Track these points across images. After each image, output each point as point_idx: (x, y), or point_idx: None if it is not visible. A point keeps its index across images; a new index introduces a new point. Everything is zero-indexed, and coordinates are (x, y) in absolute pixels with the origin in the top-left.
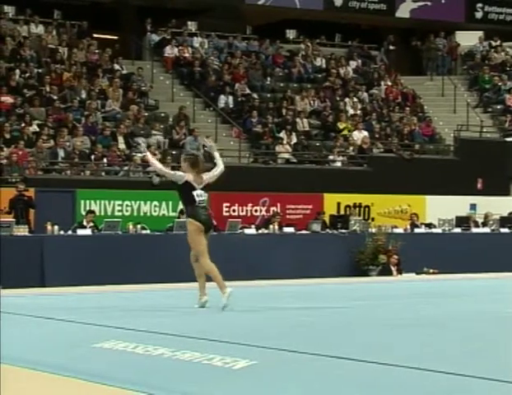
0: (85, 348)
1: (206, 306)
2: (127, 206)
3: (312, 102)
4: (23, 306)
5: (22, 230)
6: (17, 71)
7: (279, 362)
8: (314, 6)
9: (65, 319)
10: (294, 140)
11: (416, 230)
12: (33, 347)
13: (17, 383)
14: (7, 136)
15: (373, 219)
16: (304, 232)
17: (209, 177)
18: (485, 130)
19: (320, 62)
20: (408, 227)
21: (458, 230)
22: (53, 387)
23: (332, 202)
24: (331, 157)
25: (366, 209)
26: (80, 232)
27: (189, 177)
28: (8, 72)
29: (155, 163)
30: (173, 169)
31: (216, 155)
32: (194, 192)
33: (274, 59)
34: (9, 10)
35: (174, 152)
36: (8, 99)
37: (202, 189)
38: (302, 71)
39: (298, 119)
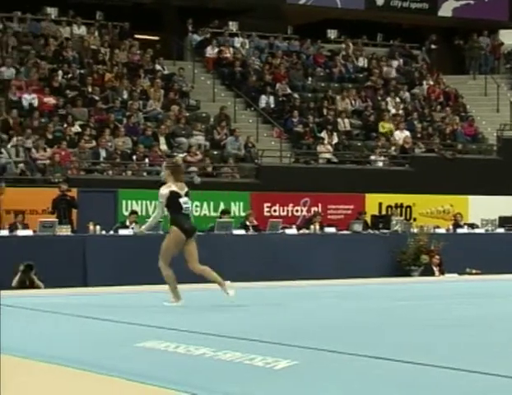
0: (127, 348)
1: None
2: None
3: (353, 102)
4: (65, 306)
5: (65, 230)
6: (60, 72)
7: (320, 362)
8: (356, 5)
9: (107, 319)
10: (335, 140)
11: (459, 231)
12: (75, 346)
13: (59, 382)
14: (50, 136)
15: (415, 219)
16: (345, 232)
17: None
18: None
19: (361, 61)
20: (451, 227)
21: (501, 230)
22: (96, 386)
23: (374, 202)
24: (372, 157)
25: (408, 209)
26: (122, 232)
27: (173, 186)
28: (51, 73)
29: (151, 223)
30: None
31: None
32: (181, 200)
33: (315, 59)
34: (52, 11)
35: (215, 152)
36: (51, 100)
37: (185, 195)
38: (343, 70)
39: (339, 119)
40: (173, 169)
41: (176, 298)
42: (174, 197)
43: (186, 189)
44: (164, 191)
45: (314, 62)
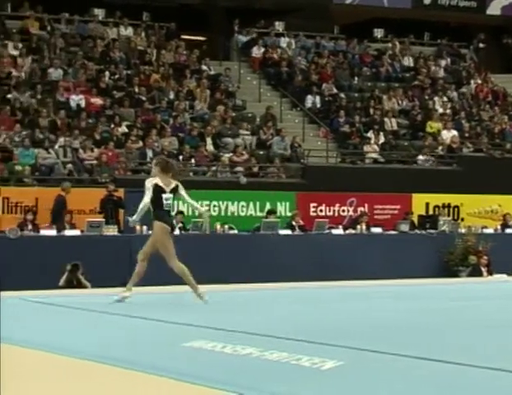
0: (175, 347)
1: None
2: (214, 206)
3: (400, 101)
4: (112, 305)
5: (111, 230)
6: (107, 72)
7: (366, 363)
8: (402, 4)
9: (154, 318)
10: (382, 139)
11: (507, 231)
12: (122, 346)
13: (108, 381)
14: (97, 137)
15: (462, 219)
16: (392, 232)
17: (183, 193)
18: None
19: (408, 61)
20: (499, 227)
21: None
22: (144, 385)
23: (421, 202)
24: (420, 157)
25: (455, 209)
26: None
27: (158, 180)
28: (98, 74)
29: (139, 212)
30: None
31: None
32: (163, 195)
33: (362, 58)
34: (99, 13)
35: (261, 152)
36: (98, 101)
37: (170, 193)
38: (390, 70)
39: (386, 119)
40: (162, 165)
41: (195, 289)
42: (157, 192)
43: (173, 185)
44: (148, 184)
45: (360, 62)
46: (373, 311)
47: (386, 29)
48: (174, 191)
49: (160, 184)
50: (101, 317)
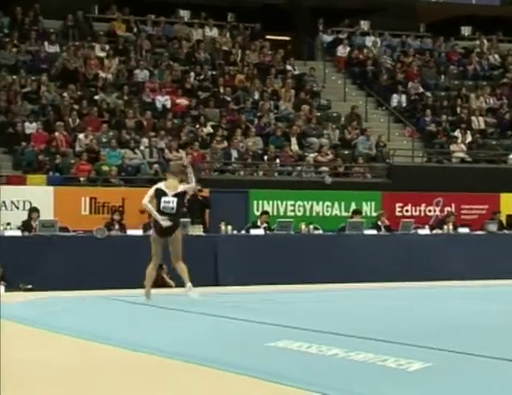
0: (258, 347)
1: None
2: (299, 206)
3: (488, 100)
4: (197, 304)
5: (197, 230)
6: (192, 73)
7: (454, 365)
8: (490, 1)
9: (239, 318)
10: (469, 139)
11: None
12: (206, 344)
13: (194, 380)
14: (183, 137)
15: None
16: (479, 232)
17: (186, 187)
18: None
19: (497, 58)
20: None
21: None
22: (227, 384)
23: (510, 202)
24: (510, 156)
25: None
26: (253, 232)
27: (162, 184)
28: (183, 75)
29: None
30: None
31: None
32: (162, 199)
33: (448, 57)
34: (184, 14)
35: (346, 152)
36: (183, 101)
37: (174, 196)
38: (478, 68)
39: (473, 117)
40: (170, 169)
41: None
42: (157, 195)
43: (180, 189)
44: (152, 187)
45: (447, 60)
46: (458, 312)
47: (473, 26)
48: (181, 194)
49: (163, 188)
50: (185, 316)
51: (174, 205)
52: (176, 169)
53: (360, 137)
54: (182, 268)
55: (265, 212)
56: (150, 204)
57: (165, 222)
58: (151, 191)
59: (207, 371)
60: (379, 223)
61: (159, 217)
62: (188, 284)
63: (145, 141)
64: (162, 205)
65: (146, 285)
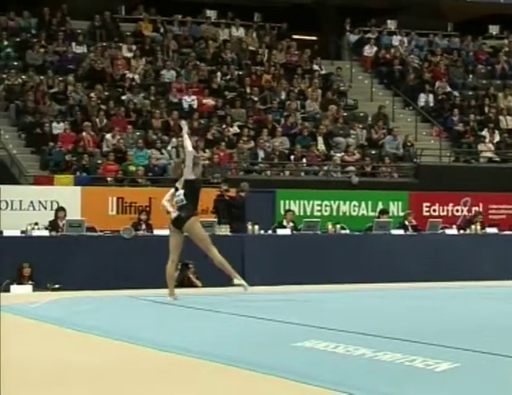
0: (285, 347)
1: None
2: (326, 206)
3: None
4: (224, 304)
5: (224, 230)
6: (219, 73)
7: (482, 365)
8: None
9: (266, 318)
10: (497, 138)
11: None
12: (233, 344)
13: (212, 379)
14: (209, 137)
15: None
16: (507, 232)
17: (185, 172)
18: None
19: None
20: None
21: None
22: (254, 383)
23: None
24: None
25: None
26: (280, 232)
27: (177, 183)
28: (210, 75)
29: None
30: None
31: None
32: (176, 193)
33: (476, 56)
34: (211, 14)
35: (373, 152)
36: (210, 102)
37: (182, 188)
38: (505, 67)
39: (501, 117)
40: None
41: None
42: (174, 194)
43: (182, 183)
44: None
45: (475, 59)
46: (486, 312)
47: (502, 25)
48: (187, 185)
49: (176, 185)
50: (212, 316)
51: (182, 196)
52: (174, 166)
53: (387, 137)
54: (220, 261)
55: (289, 210)
56: (169, 203)
57: (173, 213)
58: (172, 190)
59: (234, 371)
60: (406, 223)
61: (170, 209)
62: (235, 276)
63: (172, 141)
64: (175, 200)
65: (169, 284)
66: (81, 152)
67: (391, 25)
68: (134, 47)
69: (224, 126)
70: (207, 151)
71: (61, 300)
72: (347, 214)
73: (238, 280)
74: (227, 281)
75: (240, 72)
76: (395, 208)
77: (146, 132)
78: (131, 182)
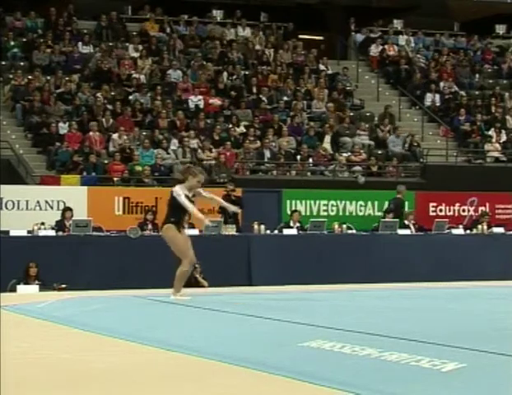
0: (291, 347)
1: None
2: (332, 205)
3: None
4: (230, 304)
5: (230, 230)
6: (225, 73)
7: (489, 365)
8: None
9: (272, 318)
10: (503, 138)
11: None
12: (239, 344)
13: (220, 378)
14: (216, 137)
15: None
16: None
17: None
18: None
19: None
20: None
21: None
22: (261, 384)
23: None
24: None
25: None
26: (286, 232)
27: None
28: (216, 75)
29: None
30: None
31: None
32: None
33: (483, 55)
34: (217, 14)
35: (379, 152)
36: (216, 101)
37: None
38: None
39: (508, 117)
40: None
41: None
42: None
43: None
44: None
45: (481, 59)
46: (492, 313)
47: (509, 24)
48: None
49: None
50: (218, 315)
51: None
52: (181, 171)
53: (390, 136)
54: (179, 274)
55: (295, 211)
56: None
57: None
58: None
59: (240, 371)
60: (406, 222)
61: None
62: (176, 293)
63: (178, 141)
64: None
65: (180, 284)
66: (87, 152)
67: (397, 24)
68: (140, 47)
69: (230, 126)
70: (213, 150)
71: (67, 300)
72: (354, 214)
73: (174, 297)
74: (234, 282)
75: (247, 72)
76: None
77: (153, 131)
78: (137, 182)
